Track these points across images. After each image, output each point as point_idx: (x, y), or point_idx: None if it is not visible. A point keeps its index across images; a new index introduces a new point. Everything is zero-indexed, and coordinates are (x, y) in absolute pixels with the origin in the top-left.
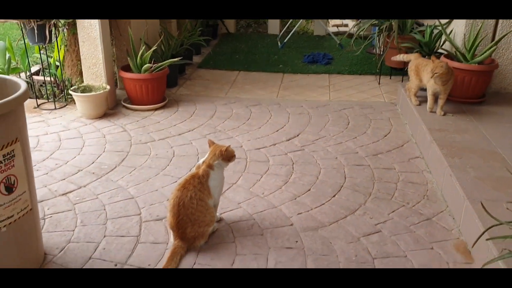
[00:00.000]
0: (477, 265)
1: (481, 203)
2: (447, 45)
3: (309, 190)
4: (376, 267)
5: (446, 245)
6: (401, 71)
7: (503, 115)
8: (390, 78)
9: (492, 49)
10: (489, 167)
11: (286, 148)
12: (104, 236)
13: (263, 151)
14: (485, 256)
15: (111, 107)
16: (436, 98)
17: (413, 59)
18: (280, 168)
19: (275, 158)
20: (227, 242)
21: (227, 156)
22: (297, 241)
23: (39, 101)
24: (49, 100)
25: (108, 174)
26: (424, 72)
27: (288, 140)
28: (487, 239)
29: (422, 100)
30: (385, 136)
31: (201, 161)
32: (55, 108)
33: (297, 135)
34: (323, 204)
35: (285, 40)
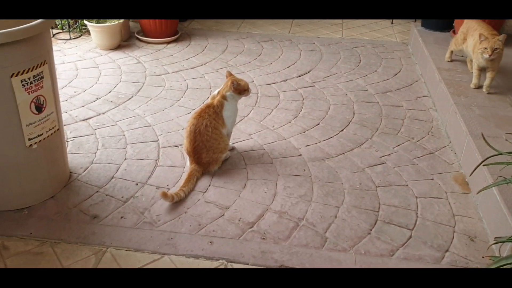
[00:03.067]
0: (475, 195)
1: (482, 134)
2: None
3: (318, 124)
4: (379, 194)
5: (446, 177)
6: None
7: None
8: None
9: None
10: (494, 107)
11: (296, 84)
12: (125, 159)
13: (274, 87)
14: (482, 186)
15: (125, 39)
16: (482, 72)
17: (466, 21)
18: (291, 103)
19: (286, 94)
20: (239, 168)
21: (238, 89)
22: (304, 170)
23: (54, 31)
24: (64, 30)
25: (126, 103)
26: (470, 40)
27: (299, 76)
28: (483, 165)
29: (455, 59)
30: (395, 75)
31: (216, 91)
32: (70, 38)
33: (308, 72)
34: (331, 137)
35: None
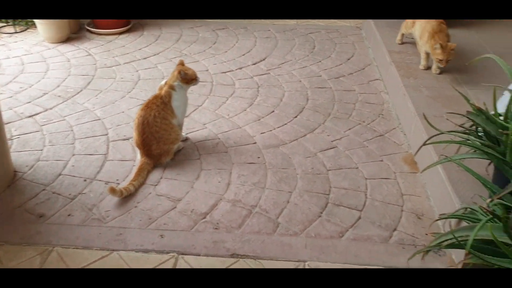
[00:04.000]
0: (422, 174)
1: (423, 115)
2: None
3: (273, 111)
4: (330, 178)
5: (395, 158)
6: None
7: (461, 36)
8: None
9: None
10: (442, 87)
11: (252, 71)
12: (73, 155)
13: (229, 75)
14: (428, 165)
15: (74, 31)
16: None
17: None
18: (246, 91)
19: (241, 82)
20: (193, 159)
21: (185, 78)
22: (259, 157)
23: None
24: (9, 24)
25: (74, 97)
26: (418, 25)
27: (254, 64)
28: (427, 144)
29: (406, 41)
30: (348, 59)
31: (163, 82)
32: (16, 32)
33: (263, 59)
34: (285, 124)
35: None
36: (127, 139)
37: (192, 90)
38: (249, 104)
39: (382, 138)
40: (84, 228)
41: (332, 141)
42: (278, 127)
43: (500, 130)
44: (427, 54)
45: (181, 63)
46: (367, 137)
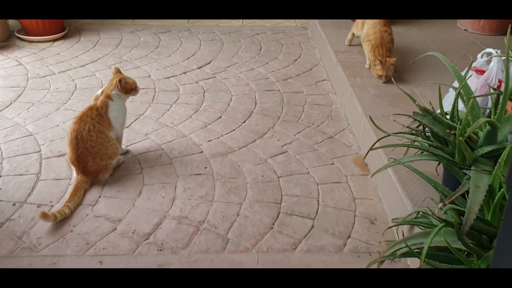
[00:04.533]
0: (373, 176)
1: (369, 117)
2: None
3: (220, 117)
4: (281, 185)
5: (346, 160)
6: None
7: (404, 34)
8: None
9: None
10: (388, 86)
11: (197, 76)
12: (0, 177)
13: (172, 80)
14: (379, 166)
15: (3, 39)
16: None
17: None
18: (191, 97)
19: (186, 87)
20: (134, 173)
21: (125, 87)
22: (206, 167)
23: None
24: None
25: (3, 112)
26: (365, 28)
27: (199, 68)
28: (375, 148)
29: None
30: (295, 60)
31: (99, 91)
32: None
33: (209, 63)
34: (233, 130)
35: None
36: (62, 155)
37: (133, 98)
38: (195, 111)
39: (332, 140)
40: (12, 260)
41: (282, 146)
42: (226, 134)
43: (448, 130)
44: None
45: (117, 71)
46: (317, 139)
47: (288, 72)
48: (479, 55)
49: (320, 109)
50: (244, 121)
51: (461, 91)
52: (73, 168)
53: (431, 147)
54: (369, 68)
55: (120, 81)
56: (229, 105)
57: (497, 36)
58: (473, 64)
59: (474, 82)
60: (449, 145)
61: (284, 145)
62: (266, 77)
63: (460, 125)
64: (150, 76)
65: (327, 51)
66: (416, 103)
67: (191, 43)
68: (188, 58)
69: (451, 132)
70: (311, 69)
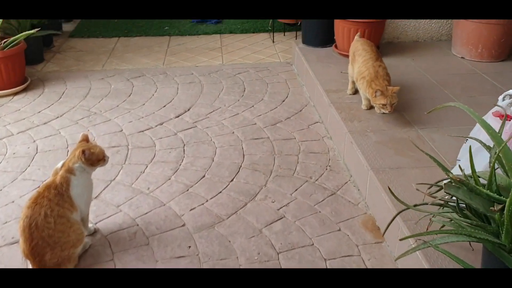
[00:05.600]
0: (389, 243)
1: (389, 189)
2: None
3: (204, 176)
4: (281, 263)
5: (354, 224)
6: (294, 26)
7: (397, 66)
8: (284, 35)
9: None
10: (390, 129)
11: (175, 126)
12: None
13: (148, 134)
14: (396, 234)
15: None
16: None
17: (354, 41)
18: (169, 153)
19: (163, 141)
20: (104, 261)
21: (90, 159)
22: (190, 247)
23: None
24: None
25: None
26: (356, 66)
27: (178, 116)
28: (394, 219)
29: (341, 77)
30: (283, 101)
31: (59, 164)
32: None
33: (188, 109)
34: (220, 192)
35: None
36: (17, 241)
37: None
38: (174, 170)
39: (335, 198)
40: None
41: (278, 209)
42: (212, 198)
43: (492, 207)
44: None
45: (85, 139)
46: (317, 198)
47: (276, 116)
48: (500, 98)
49: (316, 158)
50: (232, 180)
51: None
52: (28, 261)
53: (472, 227)
54: (366, 109)
55: (83, 152)
56: (213, 160)
57: (497, 63)
58: (495, 109)
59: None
60: (491, 222)
61: (281, 208)
62: (253, 122)
63: (502, 195)
64: (122, 130)
65: (317, 90)
66: (451, 175)
67: (167, 88)
68: (164, 106)
69: (496, 209)
70: (301, 110)
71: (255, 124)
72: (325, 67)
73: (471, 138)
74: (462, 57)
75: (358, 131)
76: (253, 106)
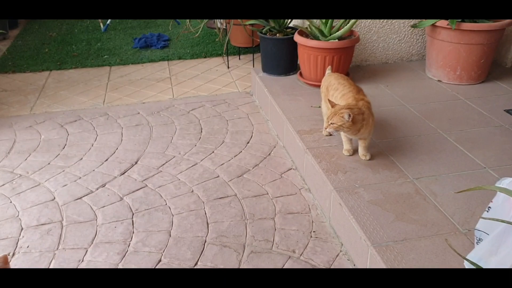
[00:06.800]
0: None
1: None
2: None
3: (160, 261)
4: None
5: None
6: (250, 49)
7: (372, 96)
8: (240, 59)
9: (353, 21)
10: (382, 181)
11: (121, 188)
12: None
13: (87, 202)
14: None
15: None
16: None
17: (326, 75)
18: (114, 228)
19: (106, 212)
20: None
21: None
22: None
23: None
24: None
25: None
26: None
27: (123, 173)
28: None
29: (314, 111)
30: (248, 142)
31: None
32: None
33: (136, 162)
34: None
35: (108, 21)
36: None
37: (30, 246)
38: (121, 255)
39: None
40: None
41: None
42: None
43: None
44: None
45: (3, 261)
46: None
47: (242, 163)
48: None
49: (297, 221)
50: (196, 263)
51: None
52: None
53: None
54: (349, 155)
55: None
56: (170, 235)
57: (477, 85)
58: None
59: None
60: None
61: None
62: (215, 174)
63: None
64: (54, 199)
65: (286, 129)
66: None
67: (109, 134)
68: (107, 160)
69: None
70: (270, 154)
71: (218, 176)
72: (292, 100)
73: (501, 221)
74: (439, 80)
75: (345, 188)
76: (213, 152)
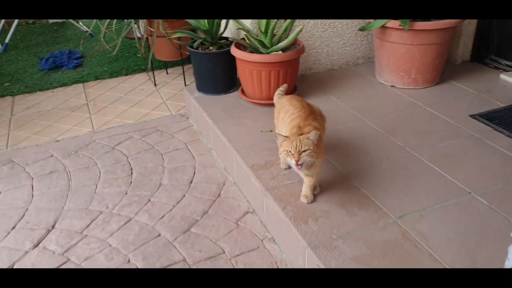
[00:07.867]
0: None
1: None
2: (233, 29)
3: None
4: None
5: None
6: (180, 61)
7: (325, 112)
8: (167, 73)
9: (300, 27)
10: (360, 227)
11: (35, 267)
12: None
13: None
14: None
15: None
16: None
17: (279, 97)
18: None
19: None
20: None
21: None
22: None
23: None
24: None
25: None
26: (280, 124)
27: (37, 245)
28: None
29: (266, 137)
30: (191, 182)
31: None
32: None
33: (52, 227)
34: None
35: (7, 39)
36: None
37: None
38: None
39: None
40: None
41: None
42: None
43: None
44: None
45: None
46: None
47: (187, 212)
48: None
49: None
50: None
51: None
52: None
53: None
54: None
55: None
56: None
57: (433, 87)
58: None
59: None
60: None
61: None
62: (155, 233)
63: None
64: None
65: (236, 163)
66: None
67: (16, 189)
68: (14, 227)
69: None
70: (219, 195)
71: (159, 235)
72: (238, 124)
73: None
74: (392, 86)
75: (321, 242)
76: (149, 200)
